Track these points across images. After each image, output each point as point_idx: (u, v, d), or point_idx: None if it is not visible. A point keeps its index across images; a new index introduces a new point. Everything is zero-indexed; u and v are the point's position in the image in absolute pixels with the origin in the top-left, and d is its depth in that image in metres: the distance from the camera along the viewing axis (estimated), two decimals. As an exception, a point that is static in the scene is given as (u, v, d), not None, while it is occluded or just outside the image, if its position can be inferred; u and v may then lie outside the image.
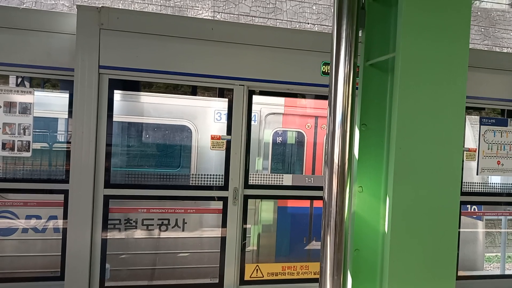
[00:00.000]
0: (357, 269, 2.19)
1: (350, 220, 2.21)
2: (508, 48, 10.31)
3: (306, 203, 4.50)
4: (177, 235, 3.88)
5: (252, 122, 3.82)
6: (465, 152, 4.17)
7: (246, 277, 3.74)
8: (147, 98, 4.37)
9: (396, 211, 1.91)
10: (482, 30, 10.64)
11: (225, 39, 3.60)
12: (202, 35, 3.55)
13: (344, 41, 2.11)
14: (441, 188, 1.96)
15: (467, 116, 4.58)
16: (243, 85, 3.65)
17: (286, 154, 4.92)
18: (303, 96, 4.26)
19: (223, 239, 3.64)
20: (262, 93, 3.91)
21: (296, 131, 4.90)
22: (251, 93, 3.73)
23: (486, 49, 9.91)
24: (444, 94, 1.98)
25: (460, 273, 4.27)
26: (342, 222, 2.03)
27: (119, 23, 3.39)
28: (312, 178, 4.07)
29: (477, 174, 4.24)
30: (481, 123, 4.28)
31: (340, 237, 2.02)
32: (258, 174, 3.94)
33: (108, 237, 3.47)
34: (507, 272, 4.74)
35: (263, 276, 3.80)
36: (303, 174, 4.78)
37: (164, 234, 3.84)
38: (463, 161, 4.17)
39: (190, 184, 3.84)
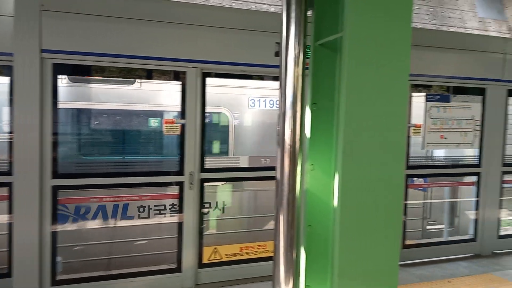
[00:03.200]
0: (310, 245, 2.26)
1: (304, 198, 2.27)
2: (454, 27, 10.79)
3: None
4: (136, 223, 3.81)
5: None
6: (411, 128, 4.39)
7: (204, 260, 3.76)
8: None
9: (344, 186, 1.97)
10: (431, 9, 11.02)
11: (178, 21, 3.50)
12: (153, 16, 3.43)
13: (293, 21, 2.11)
14: (386, 163, 2.04)
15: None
16: (196, 67, 3.58)
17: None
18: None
19: (180, 224, 3.62)
20: (218, 75, 3.86)
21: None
22: (205, 75, 3.67)
23: (434, 28, 10.29)
24: (389, 72, 2.04)
25: (407, 242, 4.55)
26: (294, 200, 2.07)
27: (62, 4, 3.20)
28: (268, 159, 4.11)
29: (422, 148, 4.49)
30: (426, 100, 4.50)
31: (293, 215, 2.06)
32: (215, 158, 3.91)
33: (58, 229, 3.34)
34: (449, 239, 5.10)
35: (221, 258, 3.84)
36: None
37: (124, 223, 3.75)
38: (409, 136, 4.39)
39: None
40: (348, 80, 1.98)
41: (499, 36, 8.14)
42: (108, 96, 4.30)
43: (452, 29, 10.45)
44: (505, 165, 4.90)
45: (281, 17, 2.12)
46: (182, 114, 3.59)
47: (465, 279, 4.01)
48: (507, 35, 10.66)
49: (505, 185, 5.02)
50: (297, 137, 2.10)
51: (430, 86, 4.52)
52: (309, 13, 2.25)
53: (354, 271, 2.01)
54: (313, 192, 2.28)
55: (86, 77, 3.95)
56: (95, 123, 4.22)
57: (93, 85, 4.24)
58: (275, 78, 4.11)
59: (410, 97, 4.40)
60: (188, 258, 3.64)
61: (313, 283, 2.26)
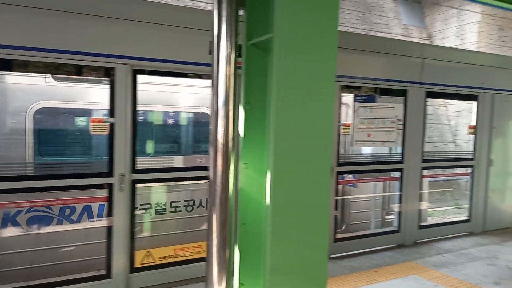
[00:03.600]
0: (244, 243, 2.27)
1: (238, 197, 2.27)
2: (382, 32, 11.50)
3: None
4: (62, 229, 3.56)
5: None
6: (341, 127, 4.60)
7: (137, 264, 3.61)
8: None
9: (276, 184, 2.00)
10: (360, 15, 11.63)
11: (107, 14, 3.32)
12: (79, 9, 3.22)
13: (224, 20, 2.10)
14: (315, 160, 2.10)
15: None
16: (126, 64, 3.43)
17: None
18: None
19: (109, 228, 3.45)
20: (152, 73, 3.71)
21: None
22: (137, 72, 3.52)
23: (364, 33, 10.87)
24: (317, 72, 2.10)
25: (339, 236, 4.77)
26: (227, 199, 2.07)
27: None
28: (203, 158, 4.06)
29: (351, 146, 4.73)
30: (355, 100, 4.75)
31: (225, 214, 2.06)
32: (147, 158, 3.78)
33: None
34: (376, 231, 5.43)
35: (155, 261, 3.72)
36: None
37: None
38: (339, 134, 4.60)
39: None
40: (278, 80, 2.01)
41: (418, 42, 8.84)
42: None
43: (379, 34, 11.17)
44: (424, 161, 5.34)
45: (212, 15, 2.11)
46: (111, 112, 3.42)
47: (390, 268, 4.31)
48: (426, 41, 11.64)
49: (430, 179, 5.45)
50: (230, 136, 2.10)
51: (359, 87, 4.77)
52: (241, 12, 2.25)
53: (286, 267, 2.05)
54: (246, 191, 2.29)
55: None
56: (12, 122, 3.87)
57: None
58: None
59: (340, 97, 4.61)
60: (119, 263, 3.47)
61: (246, 281, 2.28)
